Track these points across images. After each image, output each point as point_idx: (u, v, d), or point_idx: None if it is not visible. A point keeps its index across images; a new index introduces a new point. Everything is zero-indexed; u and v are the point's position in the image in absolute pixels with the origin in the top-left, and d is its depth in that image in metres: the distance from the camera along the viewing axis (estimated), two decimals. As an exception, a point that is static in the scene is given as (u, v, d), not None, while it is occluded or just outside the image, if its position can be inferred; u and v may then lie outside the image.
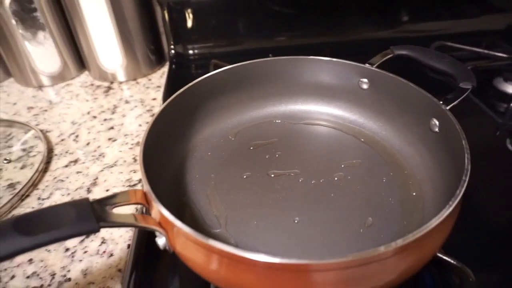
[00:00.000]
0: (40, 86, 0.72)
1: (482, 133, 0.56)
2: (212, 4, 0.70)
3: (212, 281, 0.30)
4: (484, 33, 0.75)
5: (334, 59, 0.51)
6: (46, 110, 0.65)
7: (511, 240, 0.41)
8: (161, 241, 0.29)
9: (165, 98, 0.65)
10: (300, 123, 0.53)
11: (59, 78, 0.72)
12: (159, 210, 0.28)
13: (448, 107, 0.42)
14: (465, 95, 0.44)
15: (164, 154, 0.42)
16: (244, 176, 0.44)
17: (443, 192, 0.40)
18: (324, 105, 0.54)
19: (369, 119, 0.52)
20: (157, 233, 0.30)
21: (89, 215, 0.26)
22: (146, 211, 0.33)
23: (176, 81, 0.69)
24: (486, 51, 0.66)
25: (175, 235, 0.28)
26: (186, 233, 0.27)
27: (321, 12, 0.73)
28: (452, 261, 0.35)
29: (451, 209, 0.29)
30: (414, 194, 0.42)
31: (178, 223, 0.27)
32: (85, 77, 0.74)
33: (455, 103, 0.43)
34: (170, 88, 0.67)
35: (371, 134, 0.50)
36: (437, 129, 0.43)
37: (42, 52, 0.68)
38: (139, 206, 0.43)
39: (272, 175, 0.44)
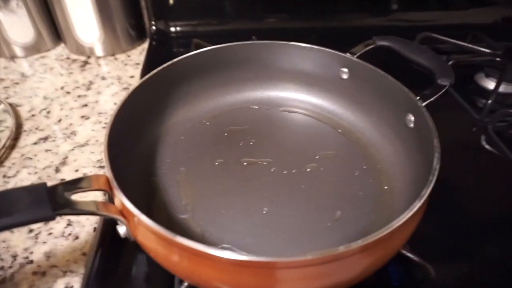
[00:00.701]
0: (13, 57, 0.69)
1: (458, 128, 0.56)
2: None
3: (174, 272, 0.30)
4: (471, 27, 0.74)
5: (315, 47, 0.50)
6: (17, 83, 0.63)
7: (477, 236, 0.41)
8: (122, 229, 0.29)
9: (143, 76, 0.62)
10: (277, 110, 0.52)
11: (33, 49, 0.69)
12: (121, 199, 0.28)
13: (424, 103, 0.41)
14: (442, 91, 0.43)
15: (134, 137, 0.41)
16: (216, 163, 0.44)
17: (413, 188, 0.40)
18: (303, 92, 0.53)
19: (347, 109, 0.51)
20: (118, 221, 0.29)
21: (44, 201, 0.25)
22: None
23: (156, 58, 0.67)
24: (470, 46, 0.65)
25: (136, 225, 0.28)
26: (148, 226, 0.26)
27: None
28: (414, 258, 0.36)
29: (414, 209, 0.29)
30: (385, 187, 0.43)
31: (140, 215, 0.26)
32: (61, 49, 0.72)
33: (431, 99, 0.42)
34: (149, 65, 0.65)
35: (347, 125, 0.50)
36: (412, 125, 0.43)
37: (15, 21, 0.65)
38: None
39: (245, 163, 0.44)
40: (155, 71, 0.43)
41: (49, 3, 0.66)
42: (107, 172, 0.29)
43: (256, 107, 0.52)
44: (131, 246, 0.37)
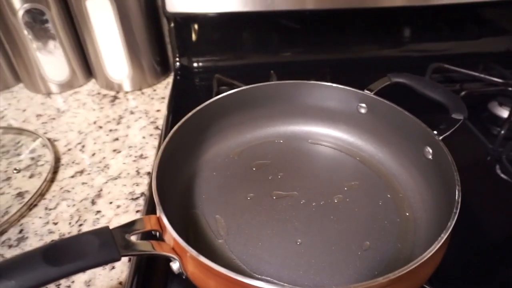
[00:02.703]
0: (49, 93, 0.73)
1: (473, 158, 0.58)
2: (217, 19, 0.72)
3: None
4: (482, 56, 0.77)
5: (335, 85, 0.53)
6: (54, 118, 0.67)
7: (497, 265, 0.43)
8: (175, 265, 0.32)
9: (169, 109, 0.67)
10: (301, 143, 0.55)
11: (67, 85, 0.74)
12: (173, 237, 0.31)
13: (441, 137, 0.45)
14: (457, 126, 0.47)
15: (173, 177, 0.44)
16: (248, 198, 0.47)
17: (434, 215, 0.43)
18: (325, 126, 0.57)
19: (367, 142, 0.54)
20: (171, 258, 0.32)
21: (111, 244, 0.28)
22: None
23: (181, 92, 0.71)
24: (482, 75, 0.68)
25: (188, 261, 0.31)
26: (200, 261, 0.29)
27: (324, 30, 0.75)
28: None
29: (442, 241, 0.32)
30: (407, 214, 0.45)
31: (193, 251, 0.29)
32: (92, 85, 0.76)
33: (447, 133, 0.45)
34: (174, 99, 0.69)
35: (368, 157, 0.53)
36: (430, 157, 0.46)
37: (52, 60, 0.70)
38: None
39: (275, 197, 0.47)
40: (190, 113, 0.47)
41: (82, 43, 0.71)
42: (158, 213, 0.33)
43: (281, 141, 0.55)
44: (162, 273, 0.40)
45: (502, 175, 0.54)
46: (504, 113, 0.65)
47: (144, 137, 0.62)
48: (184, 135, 0.46)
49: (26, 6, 0.64)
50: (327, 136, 0.56)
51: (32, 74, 0.71)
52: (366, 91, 0.52)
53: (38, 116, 0.68)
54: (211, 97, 0.51)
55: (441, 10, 0.75)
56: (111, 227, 0.31)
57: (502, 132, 0.60)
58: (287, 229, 0.43)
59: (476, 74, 0.69)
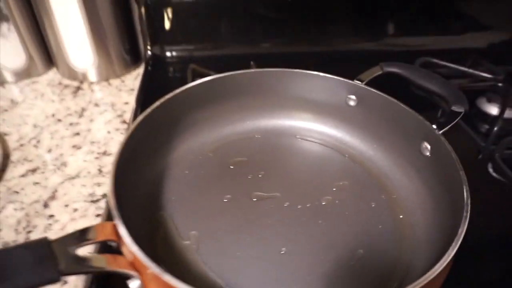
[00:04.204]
0: (2, 83, 0.65)
1: (464, 156, 0.54)
2: (193, 5, 0.66)
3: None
4: (468, 51, 0.74)
5: (321, 74, 0.48)
6: (6, 110, 0.59)
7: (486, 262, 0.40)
8: (133, 284, 0.26)
9: (138, 102, 0.60)
10: (283, 139, 0.50)
11: (24, 74, 0.66)
12: (131, 250, 0.25)
13: (441, 132, 0.40)
14: (458, 119, 0.43)
15: (136, 175, 0.38)
16: (225, 200, 0.41)
17: (433, 219, 0.39)
18: (309, 120, 0.51)
19: (357, 137, 0.50)
20: (129, 275, 0.26)
21: (49, 260, 0.22)
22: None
23: (152, 84, 0.65)
24: (470, 70, 0.65)
25: (150, 279, 0.25)
26: (164, 280, 0.23)
27: (307, 21, 0.71)
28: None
29: (454, 251, 0.27)
30: (401, 217, 0.41)
31: (154, 267, 0.23)
32: (52, 74, 0.68)
33: (448, 127, 0.41)
34: (144, 91, 0.63)
35: (358, 154, 0.48)
36: (428, 153, 0.42)
37: (5, 45, 0.62)
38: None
39: (255, 199, 0.41)
40: (155, 104, 0.41)
41: (41, 26, 0.63)
42: (116, 220, 0.26)
43: (262, 136, 0.50)
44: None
45: (494, 174, 0.51)
46: (493, 109, 0.61)
47: (109, 132, 0.56)
48: (149, 128, 0.40)
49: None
50: (313, 131, 0.51)
51: (-19, 60, 0.63)
52: (356, 81, 0.47)
53: (-14, 107, 0.60)
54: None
55: (426, 4, 0.72)
56: (65, 233, 0.25)
57: (495, 129, 0.57)
58: (269, 236, 0.37)
59: (465, 69, 0.66)
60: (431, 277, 0.25)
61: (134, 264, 0.26)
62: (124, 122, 0.58)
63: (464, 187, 0.33)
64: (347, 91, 0.48)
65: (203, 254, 0.36)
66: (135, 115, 0.56)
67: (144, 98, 0.61)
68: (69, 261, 0.23)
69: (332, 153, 0.48)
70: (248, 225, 0.38)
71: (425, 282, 0.24)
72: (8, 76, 0.65)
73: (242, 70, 0.48)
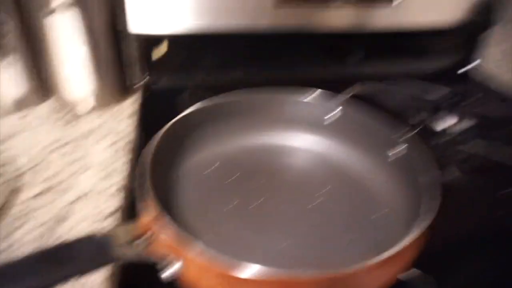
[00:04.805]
0: (4, 112, 0.68)
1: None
2: (184, 38, 0.73)
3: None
4: (416, 75, 0.82)
5: (306, 100, 0.58)
6: (10, 137, 0.62)
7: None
8: (169, 271, 0.31)
9: (138, 128, 0.66)
10: (277, 152, 0.58)
11: (24, 104, 0.69)
12: (178, 235, 0.30)
13: (408, 136, 0.50)
14: (417, 130, 0.52)
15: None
16: (231, 206, 0.47)
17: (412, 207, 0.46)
18: (298, 133, 0.59)
19: (340, 147, 0.57)
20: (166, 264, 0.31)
21: (105, 249, 0.27)
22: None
23: (149, 110, 0.70)
24: (419, 92, 0.73)
25: (190, 260, 0.30)
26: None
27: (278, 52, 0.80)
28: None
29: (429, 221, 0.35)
30: (387, 210, 0.48)
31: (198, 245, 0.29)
32: (52, 103, 0.72)
33: (414, 132, 0.52)
34: (143, 117, 0.68)
35: (340, 160, 0.56)
36: (398, 155, 0.50)
37: (5, 76, 0.66)
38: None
39: (258, 202, 0.48)
40: (174, 120, 0.48)
41: (39, 55, 0.67)
42: (154, 206, 0.32)
43: (257, 151, 0.57)
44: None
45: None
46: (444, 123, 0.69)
47: (111, 154, 0.60)
48: (160, 150, 0.46)
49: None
50: (301, 145, 0.59)
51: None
52: (338, 98, 0.56)
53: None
54: (179, 113, 0.51)
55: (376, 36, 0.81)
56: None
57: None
58: (272, 232, 0.44)
59: (413, 91, 0.73)
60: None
61: (176, 250, 0.31)
62: (125, 144, 0.62)
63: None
64: (326, 110, 0.57)
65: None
66: (139, 138, 0.61)
67: (144, 123, 0.67)
68: (121, 249, 0.28)
69: (321, 162, 0.56)
70: (253, 226, 0.45)
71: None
72: (9, 106, 0.68)
73: (239, 95, 0.56)
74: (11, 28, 0.64)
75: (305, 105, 0.57)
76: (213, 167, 0.53)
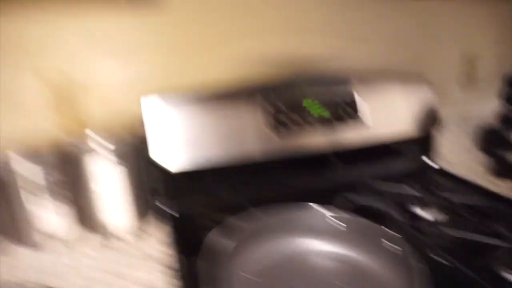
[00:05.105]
0: (43, 247, 0.77)
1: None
2: (201, 174, 0.89)
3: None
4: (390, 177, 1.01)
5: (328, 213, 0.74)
6: (56, 270, 0.70)
7: None
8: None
9: (173, 251, 0.75)
10: (294, 256, 0.72)
11: (63, 237, 0.79)
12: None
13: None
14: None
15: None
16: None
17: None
18: (317, 240, 0.74)
19: (350, 249, 0.72)
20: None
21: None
22: None
23: (182, 234, 0.81)
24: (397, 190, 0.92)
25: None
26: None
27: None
28: None
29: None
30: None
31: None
32: (90, 235, 0.81)
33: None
34: (176, 241, 0.78)
35: (347, 257, 0.71)
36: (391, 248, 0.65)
37: (49, 213, 0.77)
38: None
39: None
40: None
41: (79, 192, 0.79)
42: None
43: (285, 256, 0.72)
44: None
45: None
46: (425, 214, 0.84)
47: (154, 275, 0.69)
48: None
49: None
50: (324, 249, 0.73)
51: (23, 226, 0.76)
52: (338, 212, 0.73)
53: (38, 271, 0.70)
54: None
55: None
56: None
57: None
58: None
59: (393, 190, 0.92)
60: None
61: None
62: (164, 266, 0.71)
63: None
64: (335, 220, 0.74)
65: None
66: (179, 260, 0.71)
67: (178, 246, 0.77)
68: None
69: (336, 262, 0.71)
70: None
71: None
72: (49, 240, 0.79)
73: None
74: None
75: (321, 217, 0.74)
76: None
